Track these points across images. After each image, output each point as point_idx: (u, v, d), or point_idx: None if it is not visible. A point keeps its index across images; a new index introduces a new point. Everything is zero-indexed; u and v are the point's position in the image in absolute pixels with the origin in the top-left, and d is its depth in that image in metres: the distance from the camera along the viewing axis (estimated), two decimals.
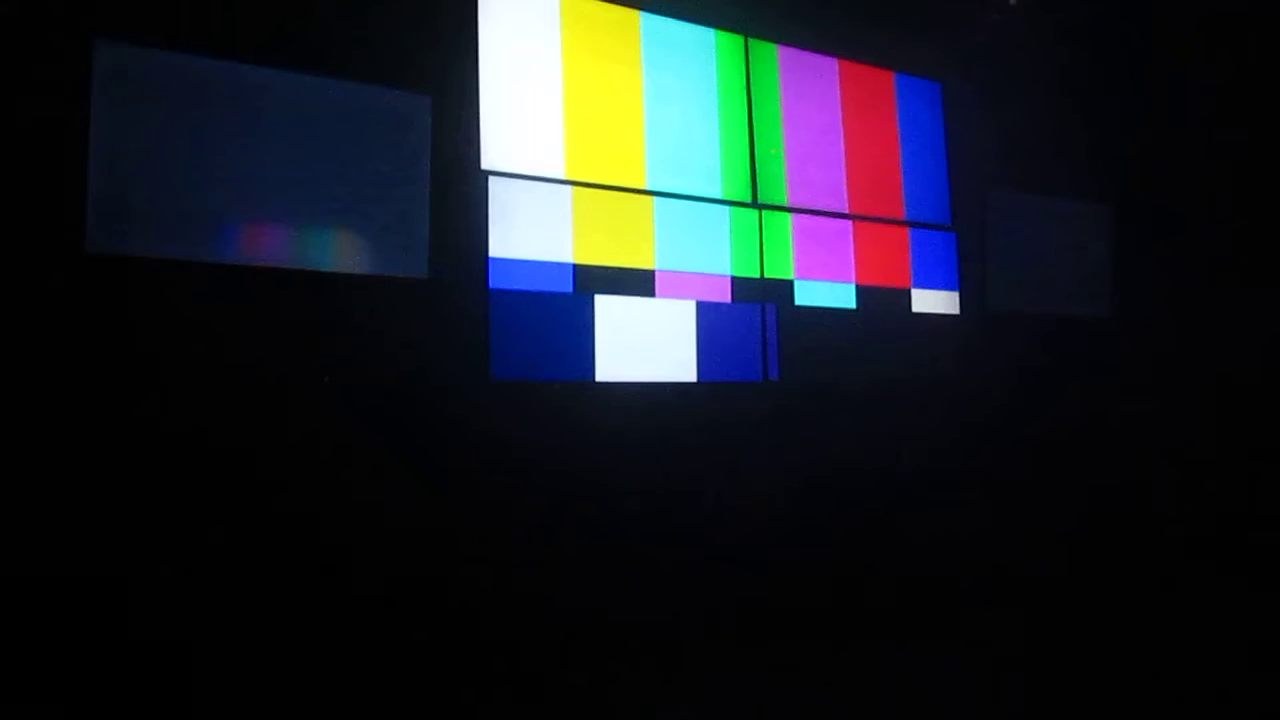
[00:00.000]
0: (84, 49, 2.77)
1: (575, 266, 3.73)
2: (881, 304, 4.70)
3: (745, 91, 4.33)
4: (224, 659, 2.79)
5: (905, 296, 4.81)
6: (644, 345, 3.90)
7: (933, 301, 4.91)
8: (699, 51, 4.22)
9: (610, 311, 3.81)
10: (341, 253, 3.25)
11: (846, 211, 4.62)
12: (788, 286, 4.36)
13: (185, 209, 2.93)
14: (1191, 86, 5.54)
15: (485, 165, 3.54)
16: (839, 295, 4.55)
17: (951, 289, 5.01)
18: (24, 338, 2.63)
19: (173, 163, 2.92)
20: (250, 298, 3.02)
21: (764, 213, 4.31)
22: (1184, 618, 3.96)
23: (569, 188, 3.76)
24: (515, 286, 3.56)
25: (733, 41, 4.33)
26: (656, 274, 3.95)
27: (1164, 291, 5.50)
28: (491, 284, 3.51)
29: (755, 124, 4.33)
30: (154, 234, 2.86)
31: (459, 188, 3.48)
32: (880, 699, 3.16)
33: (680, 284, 4.02)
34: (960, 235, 5.07)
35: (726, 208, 4.20)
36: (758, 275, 4.26)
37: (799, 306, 4.38)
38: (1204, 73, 5.47)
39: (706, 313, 4.08)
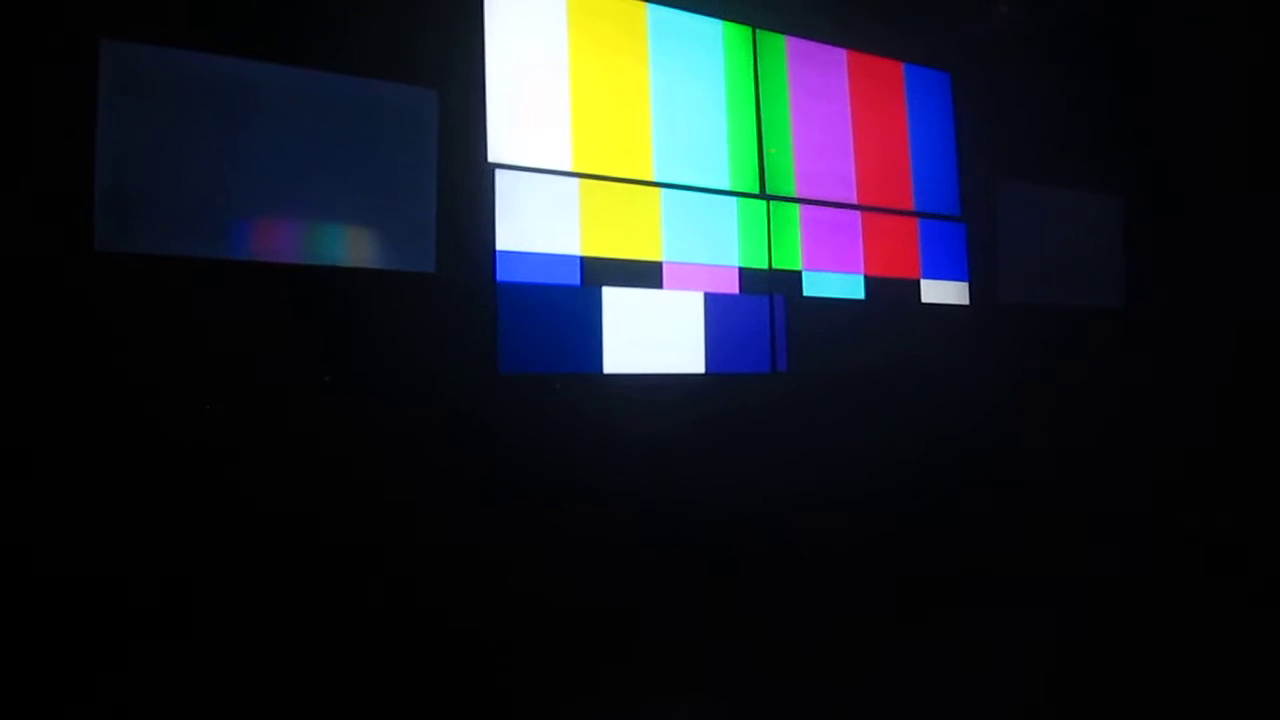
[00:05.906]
0: (90, 48, 2.78)
1: (583, 259, 3.73)
2: (891, 295, 4.68)
3: (753, 83, 4.31)
4: (233, 655, 2.81)
5: (915, 287, 4.79)
6: (652, 337, 3.90)
7: (942, 292, 4.89)
8: (706, 43, 4.20)
9: (618, 304, 3.81)
10: (349, 248, 3.26)
11: (855, 202, 4.60)
12: (796, 278, 4.35)
13: (192, 206, 2.94)
14: (1203, 75, 5.49)
15: (492, 158, 3.55)
16: (848, 286, 4.53)
17: (961, 280, 4.99)
18: (34, 336, 2.64)
19: (179, 160, 2.93)
20: (258, 294, 3.03)
21: (772, 204, 4.30)
22: (1193, 617, 3.92)
23: (576, 180, 3.75)
24: (523, 279, 3.57)
25: (740, 33, 4.31)
26: (664, 266, 3.95)
27: (1176, 282, 5.47)
28: (499, 277, 3.51)
29: (763, 115, 4.32)
30: (162, 232, 2.88)
31: (466, 181, 3.49)
32: (886, 694, 3.15)
33: (688, 276, 4.02)
34: (970, 226, 5.05)
35: (734, 199, 4.19)
36: (766, 267, 4.25)
37: (808, 297, 4.37)
38: (1216, 61, 5.42)
39: (715, 304, 4.08)
